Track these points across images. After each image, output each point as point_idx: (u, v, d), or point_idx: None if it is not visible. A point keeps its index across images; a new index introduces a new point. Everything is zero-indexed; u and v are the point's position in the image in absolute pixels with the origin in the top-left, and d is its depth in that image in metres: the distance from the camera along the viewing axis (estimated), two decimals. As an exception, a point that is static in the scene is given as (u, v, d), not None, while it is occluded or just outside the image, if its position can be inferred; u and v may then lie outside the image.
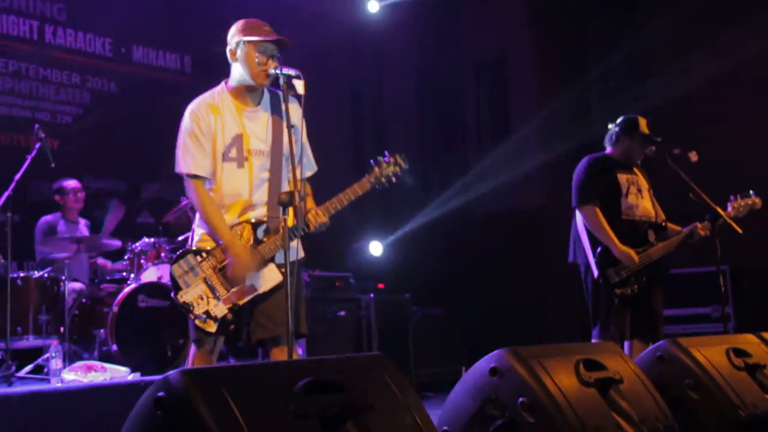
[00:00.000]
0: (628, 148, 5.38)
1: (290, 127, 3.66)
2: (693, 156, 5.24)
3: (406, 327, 8.20)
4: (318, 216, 3.78)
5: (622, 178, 5.31)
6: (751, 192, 5.39)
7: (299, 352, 7.07)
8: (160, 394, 2.04)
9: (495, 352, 2.88)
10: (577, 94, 9.63)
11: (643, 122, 5.37)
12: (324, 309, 7.65)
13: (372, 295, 8.07)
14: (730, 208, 5.34)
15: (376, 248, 8.86)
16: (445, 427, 2.94)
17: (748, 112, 8.13)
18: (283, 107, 3.72)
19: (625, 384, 3.01)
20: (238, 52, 3.87)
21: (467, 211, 10.29)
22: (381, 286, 8.50)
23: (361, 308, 7.97)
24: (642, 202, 5.32)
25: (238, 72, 3.90)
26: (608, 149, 5.47)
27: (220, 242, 3.77)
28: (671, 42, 8.87)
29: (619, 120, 5.45)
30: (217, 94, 3.93)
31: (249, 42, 3.83)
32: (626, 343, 5.17)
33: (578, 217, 5.32)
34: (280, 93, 3.80)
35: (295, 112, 3.86)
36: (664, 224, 5.36)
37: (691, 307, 7.92)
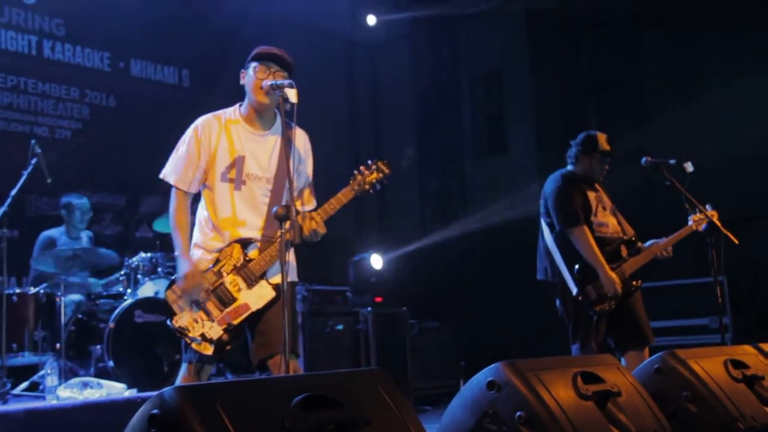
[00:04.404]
0: (589, 167, 5.32)
1: (289, 145, 3.67)
2: (688, 167, 5.23)
3: (403, 341, 8.20)
4: (314, 222, 3.72)
5: (591, 195, 5.27)
6: (707, 206, 5.34)
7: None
8: (154, 411, 2.02)
9: (492, 365, 2.86)
10: (573, 108, 9.65)
11: (602, 138, 5.31)
12: (322, 323, 7.63)
13: (369, 308, 8.06)
14: (691, 222, 5.31)
15: (376, 261, 8.82)
16: (443, 442, 2.93)
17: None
18: (288, 132, 3.73)
19: (623, 397, 2.99)
20: (245, 74, 3.92)
21: (464, 224, 10.29)
22: (378, 299, 8.48)
23: (358, 322, 7.96)
24: (609, 219, 5.28)
25: (246, 95, 3.94)
26: (570, 167, 5.39)
27: (176, 253, 3.80)
28: (666, 59, 8.89)
29: (578, 138, 5.39)
30: (228, 114, 3.95)
31: (252, 62, 3.88)
32: (621, 359, 5.13)
33: (547, 233, 5.25)
34: (291, 123, 3.81)
35: (300, 138, 3.96)
36: (634, 239, 5.33)
37: (688, 318, 7.91)
